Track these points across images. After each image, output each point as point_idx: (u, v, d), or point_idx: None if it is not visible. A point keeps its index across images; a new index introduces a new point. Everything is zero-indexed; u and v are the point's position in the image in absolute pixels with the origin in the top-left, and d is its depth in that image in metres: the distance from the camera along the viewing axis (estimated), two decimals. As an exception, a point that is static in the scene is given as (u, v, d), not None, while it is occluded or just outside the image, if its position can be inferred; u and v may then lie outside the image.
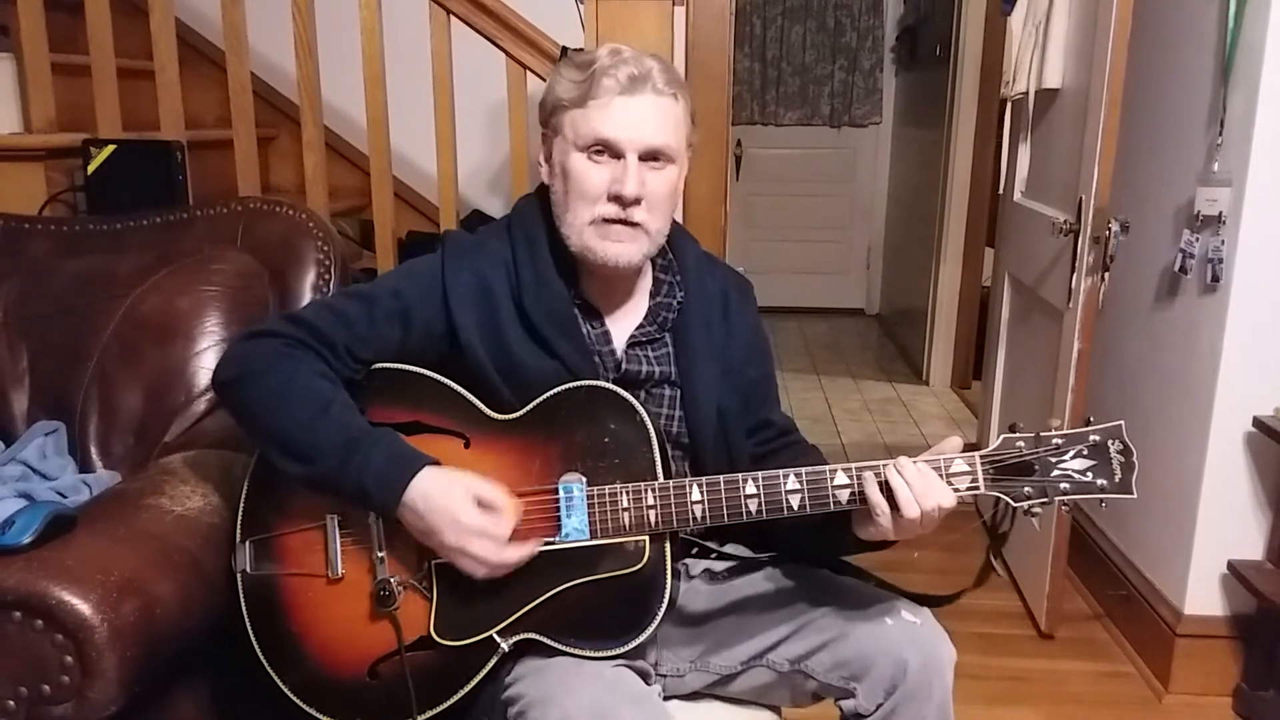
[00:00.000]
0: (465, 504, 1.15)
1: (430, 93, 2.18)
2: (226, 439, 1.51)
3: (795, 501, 1.18)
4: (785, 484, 1.18)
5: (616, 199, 1.25)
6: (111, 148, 2.03)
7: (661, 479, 1.21)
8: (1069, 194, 2.35)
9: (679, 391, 1.36)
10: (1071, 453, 1.16)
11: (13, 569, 1.13)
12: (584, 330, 1.33)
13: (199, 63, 2.89)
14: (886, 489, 1.15)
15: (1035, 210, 2.68)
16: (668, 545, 1.21)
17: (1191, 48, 2.23)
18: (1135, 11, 2.12)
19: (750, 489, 1.19)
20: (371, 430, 1.20)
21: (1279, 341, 2.08)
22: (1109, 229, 2.16)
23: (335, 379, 1.24)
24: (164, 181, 2.05)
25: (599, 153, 1.26)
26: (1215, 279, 2.09)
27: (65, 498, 1.47)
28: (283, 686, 1.25)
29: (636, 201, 1.26)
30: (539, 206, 1.36)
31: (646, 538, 1.20)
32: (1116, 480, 1.15)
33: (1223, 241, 2.07)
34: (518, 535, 1.18)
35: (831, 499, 1.18)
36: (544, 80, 1.55)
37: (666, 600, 1.19)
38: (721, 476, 1.20)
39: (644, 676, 1.24)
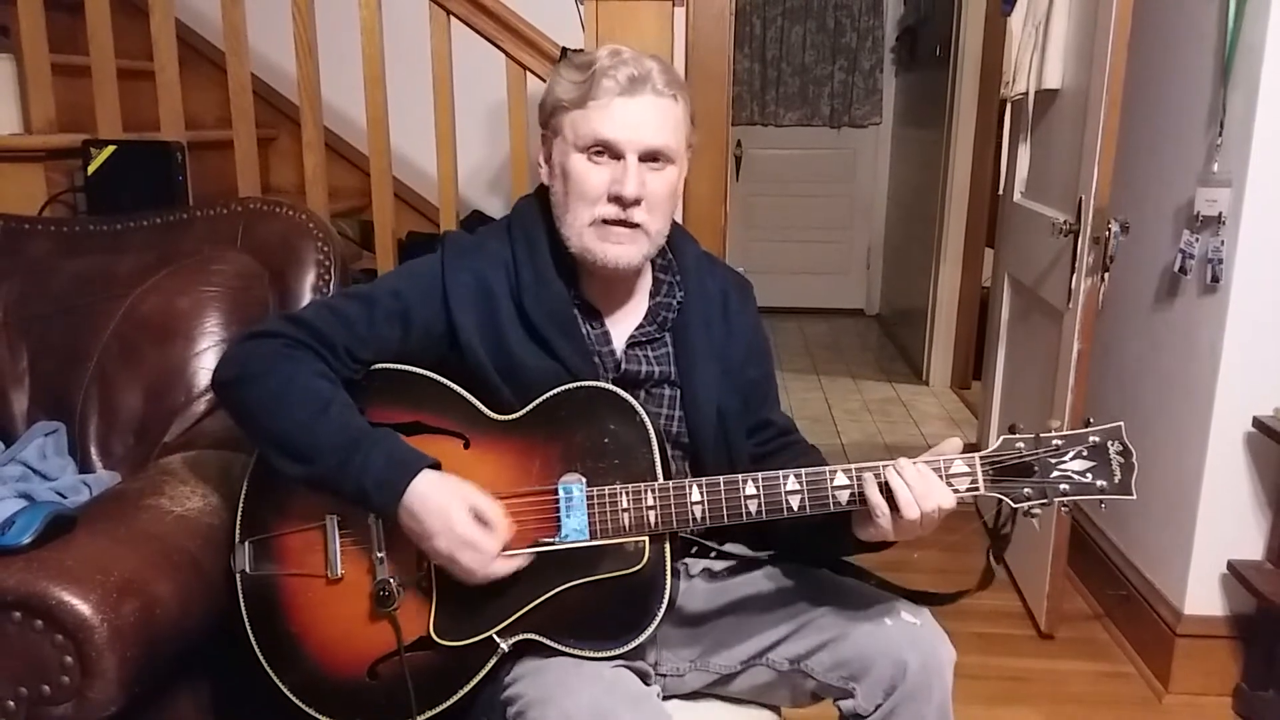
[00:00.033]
0: (461, 513, 1.16)
1: (430, 93, 2.18)
2: (226, 439, 1.51)
3: (795, 502, 1.18)
4: (785, 485, 1.18)
5: (616, 200, 1.26)
6: (111, 148, 2.03)
7: (661, 480, 1.21)
8: (1069, 194, 2.35)
9: (679, 391, 1.36)
10: (1071, 454, 1.16)
11: (13, 569, 1.13)
12: (584, 330, 1.33)
13: (199, 63, 2.89)
14: (886, 490, 1.15)
15: (1035, 211, 2.68)
16: (667, 546, 1.21)
17: (1191, 48, 2.23)
18: (1135, 11, 2.12)
19: (750, 490, 1.19)
20: (372, 431, 1.20)
21: (1279, 341, 2.08)
22: (1109, 229, 2.16)
23: (335, 379, 1.24)
24: (164, 182, 2.05)
25: (599, 154, 1.26)
26: (1215, 279, 2.09)
27: (65, 498, 1.47)
28: (282, 687, 1.25)
29: (636, 202, 1.26)
30: (538, 207, 1.36)
31: (646, 538, 1.20)
32: (1116, 481, 1.16)
33: (1222, 242, 2.07)
34: (512, 544, 1.19)
35: (831, 500, 1.18)
36: (544, 81, 1.55)
37: (666, 601, 1.19)
38: (721, 477, 1.20)
39: (643, 677, 1.25)
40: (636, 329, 1.36)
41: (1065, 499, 1.16)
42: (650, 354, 1.36)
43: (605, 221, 1.27)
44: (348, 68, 2.27)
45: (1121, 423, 1.17)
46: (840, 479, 1.18)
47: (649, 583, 1.20)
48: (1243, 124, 2.03)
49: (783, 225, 6.07)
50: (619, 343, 1.35)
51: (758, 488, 1.19)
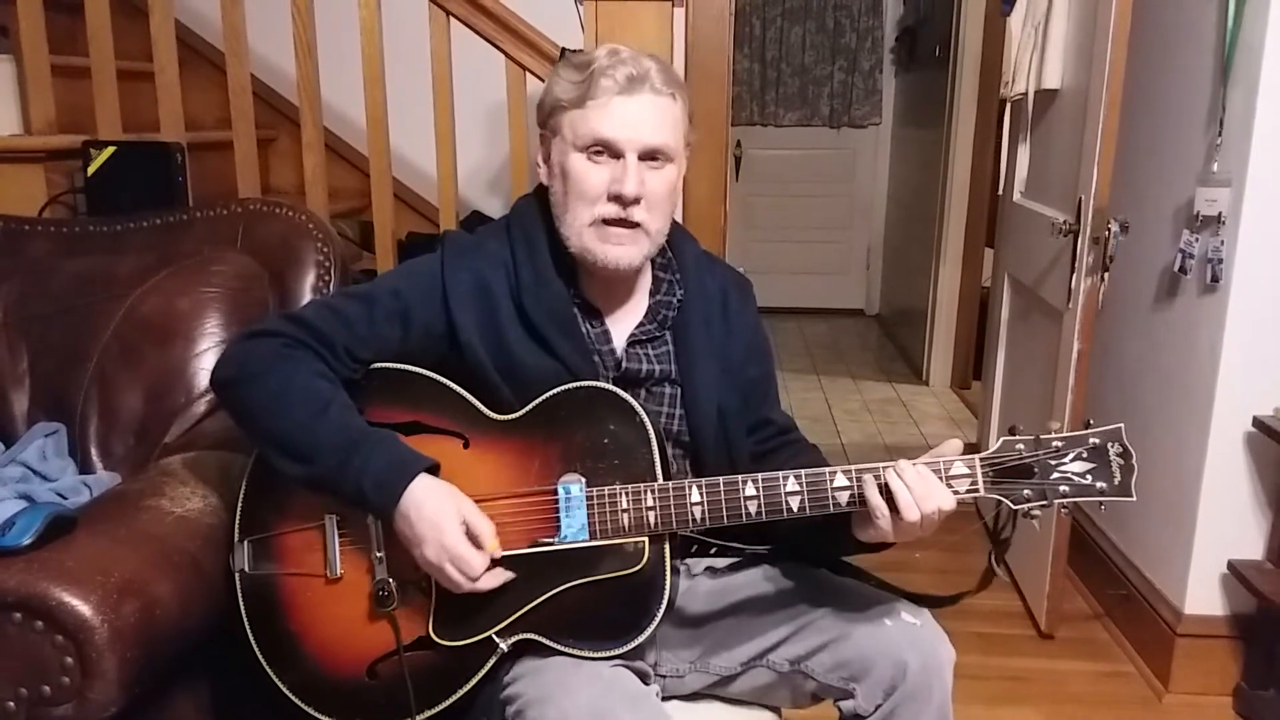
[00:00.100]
0: (453, 525, 1.16)
1: (430, 93, 2.18)
2: (226, 440, 1.51)
3: (795, 503, 1.18)
4: (785, 486, 1.18)
5: (617, 199, 1.26)
6: (111, 149, 2.03)
7: (661, 480, 1.21)
8: (1069, 194, 2.35)
9: (679, 390, 1.36)
10: (1071, 455, 1.16)
11: (13, 570, 1.13)
12: (584, 329, 1.33)
13: (199, 64, 2.89)
14: (886, 492, 1.15)
15: (1035, 210, 2.68)
16: (667, 546, 1.21)
17: (1191, 47, 2.23)
18: (1135, 11, 2.12)
19: (750, 490, 1.19)
20: (371, 432, 1.20)
21: (1279, 341, 2.08)
22: (1109, 229, 2.16)
23: (334, 379, 1.24)
24: (164, 183, 2.05)
25: (598, 153, 1.26)
26: (1215, 279, 2.09)
27: (65, 499, 1.47)
28: (281, 686, 1.25)
29: (636, 201, 1.26)
30: (538, 206, 1.36)
31: (646, 539, 1.20)
32: (1116, 483, 1.15)
33: (1222, 241, 2.07)
34: (511, 543, 1.19)
35: (831, 501, 1.18)
36: (544, 81, 1.55)
37: (666, 601, 1.19)
38: (721, 478, 1.20)
39: (643, 677, 1.25)
40: (637, 327, 1.36)
41: (1065, 500, 1.16)
42: (651, 352, 1.36)
43: (605, 222, 1.27)
44: (347, 68, 2.27)
45: (1121, 424, 1.17)
46: (840, 480, 1.18)
47: (648, 583, 1.20)
48: (1242, 123, 2.03)
49: (782, 225, 6.07)
50: (619, 341, 1.35)
51: (757, 489, 1.19)
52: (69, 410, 1.63)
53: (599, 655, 1.19)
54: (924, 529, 1.15)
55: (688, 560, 1.38)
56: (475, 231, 1.41)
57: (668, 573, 1.20)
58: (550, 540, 1.20)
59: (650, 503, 1.19)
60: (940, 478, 1.15)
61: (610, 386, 1.26)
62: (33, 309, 1.70)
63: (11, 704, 1.13)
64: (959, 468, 1.16)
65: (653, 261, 1.38)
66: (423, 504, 1.16)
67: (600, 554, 1.20)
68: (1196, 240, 2.16)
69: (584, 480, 1.21)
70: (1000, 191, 3.36)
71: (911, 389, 4.67)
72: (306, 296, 1.73)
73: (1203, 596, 2.21)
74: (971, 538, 1.37)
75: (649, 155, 1.26)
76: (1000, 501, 1.17)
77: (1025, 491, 1.16)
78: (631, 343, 1.35)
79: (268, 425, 1.21)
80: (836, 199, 6.10)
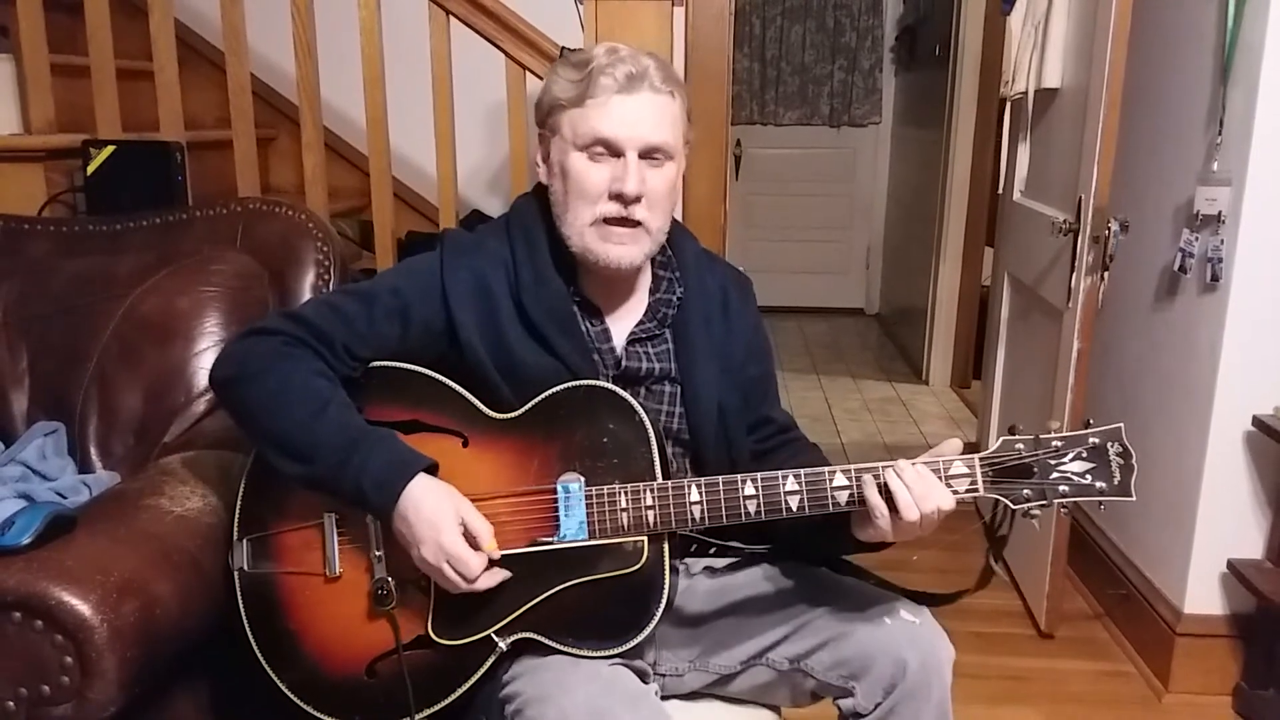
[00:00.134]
0: (451, 526, 1.16)
1: (430, 93, 2.18)
2: (226, 439, 1.51)
3: (794, 503, 1.18)
4: (784, 485, 1.18)
5: (618, 197, 1.26)
6: (111, 148, 2.03)
7: (660, 479, 1.21)
8: (1068, 193, 2.35)
9: (679, 388, 1.36)
10: (1071, 455, 1.16)
11: (13, 569, 1.13)
12: (583, 328, 1.33)
13: (198, 63, 2.89)
14: (885, 491, 1.15)
15: (1035, 210, 2.68)
16: (666, 545, 1.21)
17: (1191, 47, 2.23)
18: (1135, 11, 2.12)
19: (749, 490, 1.19)
20: (370, 431, 1.20)
21: (1278, 341, 2.08)
22: (1108, 228, 2.16)
23: (333, 378, 1.24)
24: (163, 182, 2.05)
25: (598, 152, 1.26)
26: (1215, 278, 2.09)
27: (65, 498, 1.47)
28: (280, 685, 1.25)
29: (637, 199, 1.26)
30: (537, 205, 1.36)
31: (645, 538, 1.20)
32: (1115, 483, 1.15)
33: (1222, 241, 2.07)
34: (510, 543, 1.19)
35: (830, 501, 1.18)
36: (543, 80, 1.56)
37: (665, 600, 1.19)
38: (720, 477, 1.20)
39: (642, 676, 1.25)
40: (637, 325, 1.36)
41: (1064, 500, 1.16)
42: (650, 350, 1.36)
43: (607, 221, 1.27)
44: (347, 68, 2.27)
45: (1121, 424, 1.17)
46: (839, 480, 1.18)
47: (648, 582, 1.20)
48: (1242, 123, 2.03)
49: (782, 225, 6.07)
50: (619, 340, 1.35)
51: (757, 488, 1.19)
52: (69, 410, 1.63)
53: (598, 654, 1.19)
54: (923, 529, 1.15)
55: (687, 559, 1.38)
56: (475, 230, 1.41)
57: (667, 572, 1.20)
58: (549, 539, 1.20)
59: (649, 502, 1.19)
60: (940, 477, 1.15)
61: (610, 385, 1.26)
62: (32, 308, 1.70)
63: (11, 704, 1.13)
64: (958, 467, 1.16)
65: (653, 260, 1.38)
66: (421, 504, 1.16)
67: (599, 553, 1.20)
68: (1196, 239, 2.16)
69: (583, 479, 1.21)
70: (1000, 190, 3.36)
71: (911, 388, 4.67)
72: (306, 295, 1.73)
73: (1202, 596, 2.21)
74: (971, 537, 1.37)
75: (649, 153, 1.26)
76: (998, 500, 1.17)
77: (1025, 491, 1.16)
78: (631, 341, 1.35)
79: (267, 424, 1.21)
80: (836, 198, 6.10)
